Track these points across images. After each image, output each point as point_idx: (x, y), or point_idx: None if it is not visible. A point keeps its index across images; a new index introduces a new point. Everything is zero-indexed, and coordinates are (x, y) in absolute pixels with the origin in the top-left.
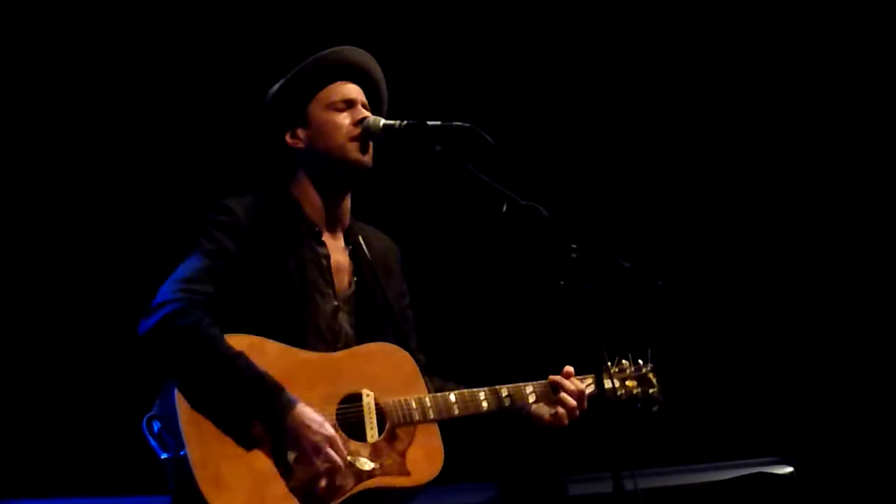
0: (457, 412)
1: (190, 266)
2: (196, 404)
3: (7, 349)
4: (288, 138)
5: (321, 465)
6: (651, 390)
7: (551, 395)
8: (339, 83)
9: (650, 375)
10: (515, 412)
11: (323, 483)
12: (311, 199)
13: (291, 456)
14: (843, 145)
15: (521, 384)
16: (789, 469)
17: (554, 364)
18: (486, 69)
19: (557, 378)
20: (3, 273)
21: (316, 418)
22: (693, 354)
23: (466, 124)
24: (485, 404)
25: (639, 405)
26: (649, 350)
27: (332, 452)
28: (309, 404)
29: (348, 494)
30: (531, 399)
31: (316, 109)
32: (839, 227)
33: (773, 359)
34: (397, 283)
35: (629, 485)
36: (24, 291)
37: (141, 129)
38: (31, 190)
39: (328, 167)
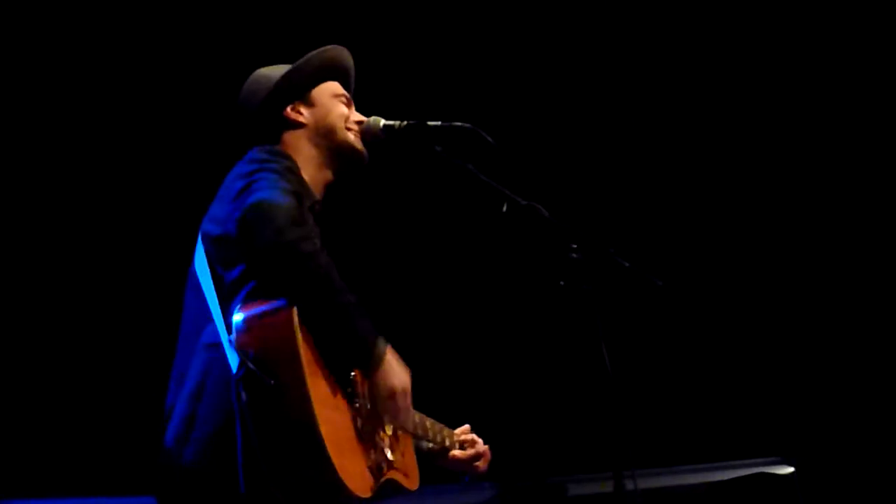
0: (429, 436)
1: (285, 200)
2: (308, 332)
3: (7, 349)
4: (289, 110)
5: (402, 402)
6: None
7: (455, 446)
8: (338, 83)
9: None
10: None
11: (392, 419)
12: (309, 173)
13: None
14: (842, 145)
15: (441, 426)
16: (790, 469)
17: (553, 365)
18: (487, 69)
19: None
20: (3, 273)
21: (401, 363)
22: (693, 354)
23: (467, 124)
24: (435, 438)
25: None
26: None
27: (408, 400)
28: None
29: (383, 479)
30: (447, 444)
31: (322, 94)
32: (838, 227)
33: (773, 359)
34: None
35: (629, 485)
36: (24, 291)
37: (124, 126)
38: (24, 188)
39: (330, 145)
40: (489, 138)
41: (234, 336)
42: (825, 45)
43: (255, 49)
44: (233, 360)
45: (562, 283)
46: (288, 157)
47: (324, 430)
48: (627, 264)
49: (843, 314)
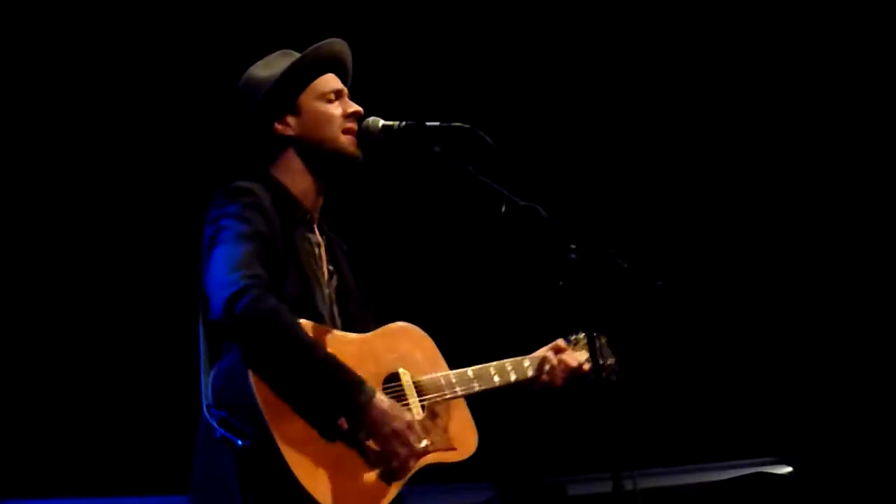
0: (477, 387)
1: (237, 252)
2: (275, 388)
3: (7, 349)
4: (277, 126)
5: (401, 449)
6: (609, 361)
7: (544, 367)
8: (327, 75)
9: (606, 346)
10: (519, 386)
11: (395, 464)
12: (300, 187)
13: (367, 441)
14: (842, 145)
15: (518, 359)
16: (788, 469)
17: None
18: (486, 69)
19: (549, 355)
20: (3, 273)
21: (394, 406)
22: (692, 354)
23: (466, 125)
24: (496, 379)
25: (591, 378)
26: (601, 323)
27: (411, 437)
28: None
29: (412, 472)
30: (529, 373)
31: (308, 99)
32: (838, 226)
33: (772, 358)
34: (354, 276)
35: (628, 485)
36: (25, 291)
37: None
38: (29, 189)
39: (319, 156)
40: (488, 139)
41: (207, 401)
42: (825, 45)
43: (256, 49)
44: (212, 423)
45: (561, 283)
46: (248, 192)
47: (299, 473)
48: (626, 265)
49: (842, 314)
